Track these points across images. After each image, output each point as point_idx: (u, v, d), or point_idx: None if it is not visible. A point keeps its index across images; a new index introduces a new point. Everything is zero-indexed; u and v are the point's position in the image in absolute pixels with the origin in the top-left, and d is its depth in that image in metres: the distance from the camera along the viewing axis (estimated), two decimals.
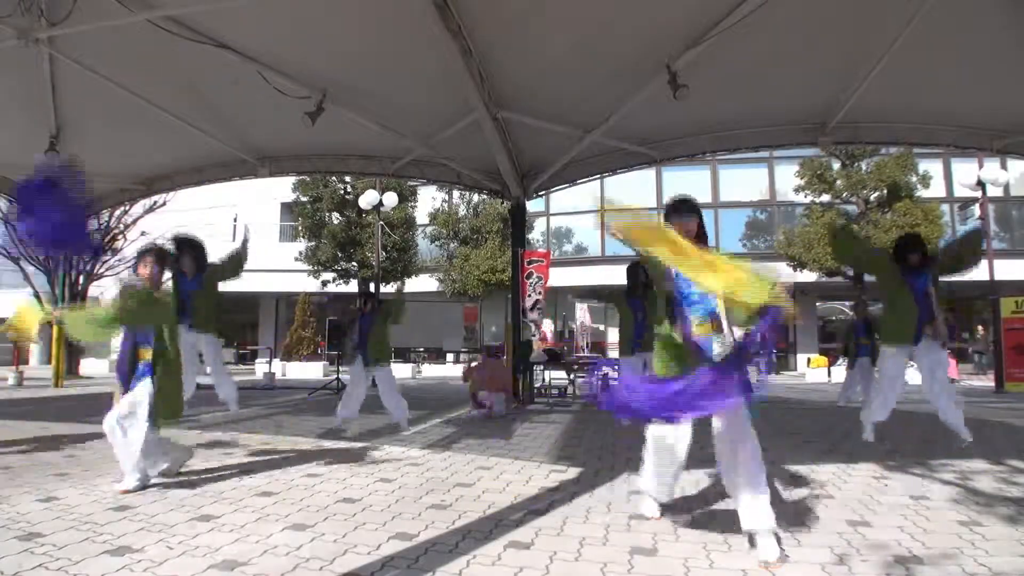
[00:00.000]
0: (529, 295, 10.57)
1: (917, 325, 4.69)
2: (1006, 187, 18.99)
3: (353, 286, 21.05)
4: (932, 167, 19.26)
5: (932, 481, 3.98)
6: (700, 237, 2.86)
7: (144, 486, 3.68)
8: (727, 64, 6.49)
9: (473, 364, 8.33)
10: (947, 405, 4.75)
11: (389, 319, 6.38)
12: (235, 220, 27.37)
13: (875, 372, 8.98)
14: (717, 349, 2.81)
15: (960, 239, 5.19)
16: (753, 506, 2.70)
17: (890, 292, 4.91)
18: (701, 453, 3.18)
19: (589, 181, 10.65)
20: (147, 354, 3.86)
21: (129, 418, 3.68)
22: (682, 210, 2.90)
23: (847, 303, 13.01)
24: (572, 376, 10.77)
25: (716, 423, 2.91)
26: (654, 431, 3.04)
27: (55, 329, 12.52)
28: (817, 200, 19.08)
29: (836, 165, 18.90)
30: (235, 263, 5.77)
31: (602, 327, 23.73)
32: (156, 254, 3.99)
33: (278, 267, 24.06)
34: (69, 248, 4.20)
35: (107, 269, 17.39)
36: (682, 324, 2.85)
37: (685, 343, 2.82)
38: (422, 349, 22.65)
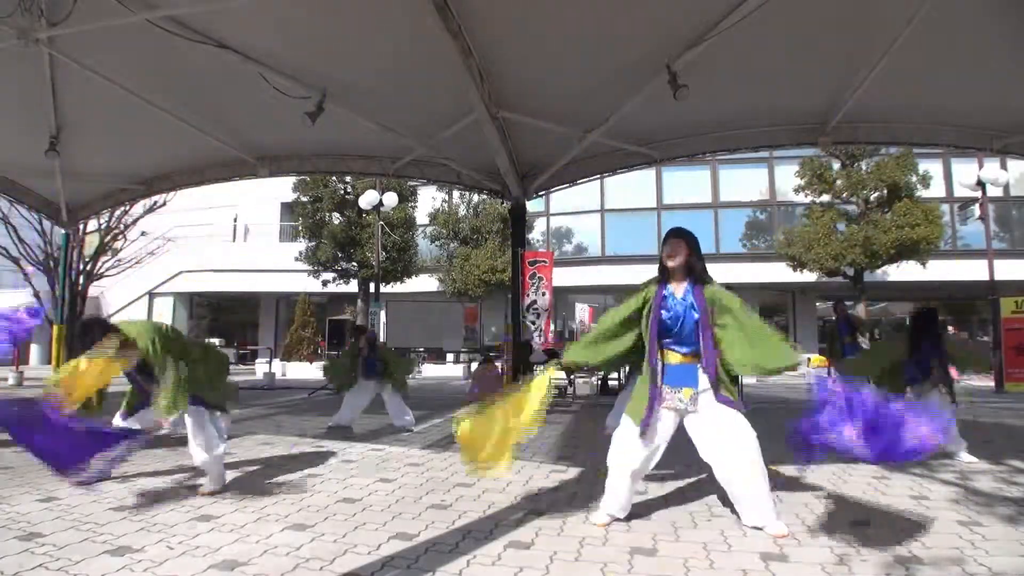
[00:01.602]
0: (529, 295, 10.56)
1: (906, 378, 4.77)
2: (1006, 187, 18.97)
3: (353, 286, 21.05)
4: (932, 167, 19.25)
5: (932, 481, 3.98)
6: (689, 263, 3.11)
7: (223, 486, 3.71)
8: (727, 64, 6.49)
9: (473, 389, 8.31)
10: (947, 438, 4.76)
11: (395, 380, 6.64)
12: (235, 220, 27.39)
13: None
14: (701, 376, 3.03)
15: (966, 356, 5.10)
16: (761, 504, 2.95)
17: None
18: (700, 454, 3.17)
19: (589, 181, 10.64)
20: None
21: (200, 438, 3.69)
22: (677, 234, 3.19)
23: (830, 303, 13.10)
24: (572, 376, 10.76)
25: (709, 433, 3.01)
26: (617, 457, 3.12)
27: (55, 329, 12.53)
28: (817, 200, 19.08)
29: (836, 165, 18.89)
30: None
31: None
32: (101, 327, 3.58)
33: (278, 267, 24.06)
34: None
35: (107, 269, 17.39)
36: (649, 354, 3.06)
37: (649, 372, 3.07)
38: (422, 349, 22.65)
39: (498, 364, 8.94)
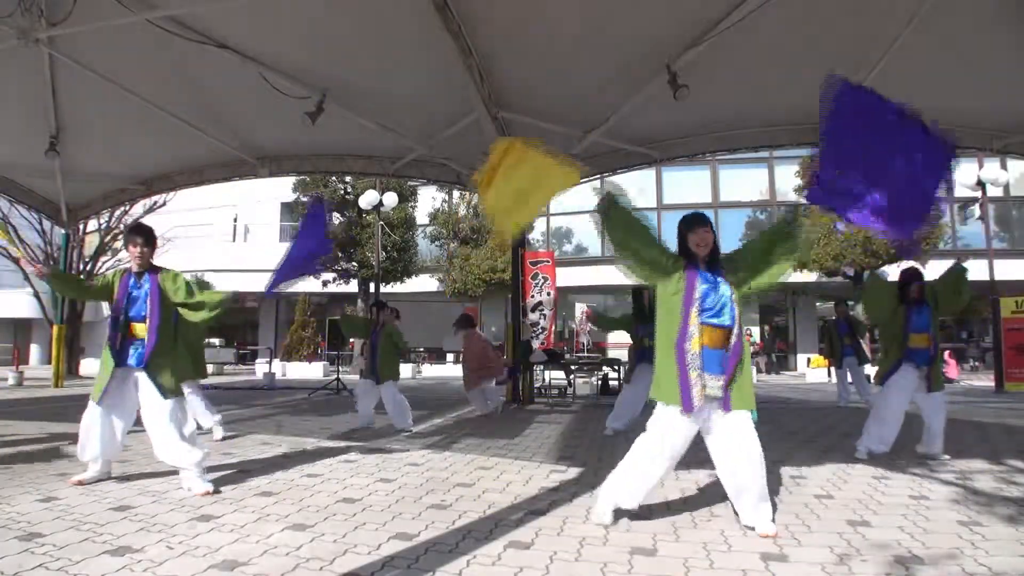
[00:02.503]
0: (532, 296, 10.59)
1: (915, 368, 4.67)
2: (1006, 187, 18.99)
3: (353, 286, 21.05)
4: None
5: (932, 481, 3.98)
6: (715, 250, 3.09)
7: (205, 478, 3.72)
8: (727, 64, 6.49)
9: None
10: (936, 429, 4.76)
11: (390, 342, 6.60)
12: (235, 220, 27.39)
13: (863, 372, 9.05)
14: (719, 363, 2.96)
15: (945, 278, 4.84)
16: (759, 507, 2.93)
17: (890, 333, 4.86)
18: (701, 454, 3.17)
19: (589, 181, 10.66)
20: (140, 330, 3.80)
21: (170, 432, 3.69)
22: (703, 222, 3.11)
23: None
24: (572, 376, 10.77)
25: (716, 432, 2.98)
26: (646, 441, 3.05)
27: (55, 329, 12.53)
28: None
29: None
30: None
31: None
32: (145, 235, 3.89)
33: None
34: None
35: (107, 269, 17.37)
36: (680, 336, 2.95)
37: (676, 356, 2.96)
38: (422, 349, 22.65)
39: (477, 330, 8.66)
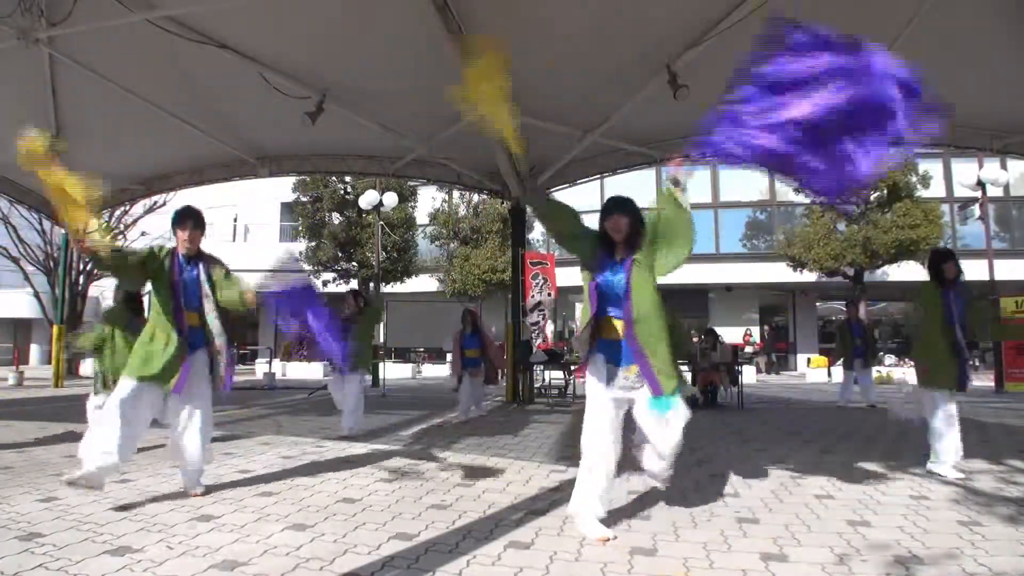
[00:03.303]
0: (532, 296, 10.59)
1: (961, 365, 4.02)
2: (1006, 187, 18.97)
3: (353, 286, 21.05)
4: (932, 167, 19.25)
5: (932, 481, 3.98)
6: (633, 234, 3.05)
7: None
8: (727, 64, 6.48)
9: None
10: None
11: (370, 326, 6.56)
12: (235, 220, 27.38)
13: (870, 373, 9.07)
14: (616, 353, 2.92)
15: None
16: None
17: (930, 325, 4.15)
18: (699, 453, 3.17)
19: (589, 181, 10.66)
20: (193, 319, 3.66)
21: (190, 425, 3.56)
22: (614, 209, 3.09)
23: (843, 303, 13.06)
24: (572, 376, 10.76)
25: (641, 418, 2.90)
26: (585, 446, 2.94)
27: (55, 329, 12.54)
28: (817, 200, 19.07)
29: None
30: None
31: None
32: (195, 218, 3.70)
33: (278, 267, 24.03)
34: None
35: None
36: (591, 308, 2.94)
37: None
38: (422, 349, 22.61)
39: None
